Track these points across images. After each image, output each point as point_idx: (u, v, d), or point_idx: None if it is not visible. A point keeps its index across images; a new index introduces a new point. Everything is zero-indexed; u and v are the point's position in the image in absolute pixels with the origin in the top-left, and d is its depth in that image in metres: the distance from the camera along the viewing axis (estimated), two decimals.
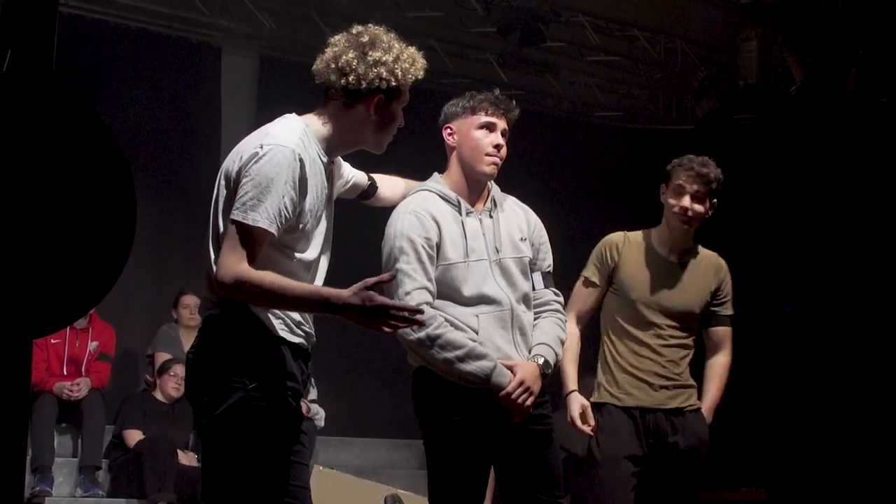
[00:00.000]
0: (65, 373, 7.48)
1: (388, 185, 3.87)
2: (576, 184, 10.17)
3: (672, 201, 4.46)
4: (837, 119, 9.11)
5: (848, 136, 9.20)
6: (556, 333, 3.93)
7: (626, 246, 4.50)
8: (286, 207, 3.18)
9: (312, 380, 6.89)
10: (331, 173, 3.43)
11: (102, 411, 7.43)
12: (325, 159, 3.36)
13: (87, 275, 2.89)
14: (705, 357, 4.65)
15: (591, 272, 4.52)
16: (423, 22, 8.84)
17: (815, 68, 8.84)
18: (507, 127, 3.93)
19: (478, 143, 3.87)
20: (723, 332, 4.65)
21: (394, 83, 3.33)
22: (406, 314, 3.20)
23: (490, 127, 3.89)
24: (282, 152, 3.19)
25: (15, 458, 3.02)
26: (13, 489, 2.99)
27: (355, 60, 3.30)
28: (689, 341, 4.53)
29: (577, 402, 4.37)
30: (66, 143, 2.86)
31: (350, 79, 3.30)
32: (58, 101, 2.89)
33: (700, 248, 4.62)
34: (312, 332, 3.38)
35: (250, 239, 3.16)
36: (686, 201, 4.43)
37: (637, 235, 4.56)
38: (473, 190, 3.92)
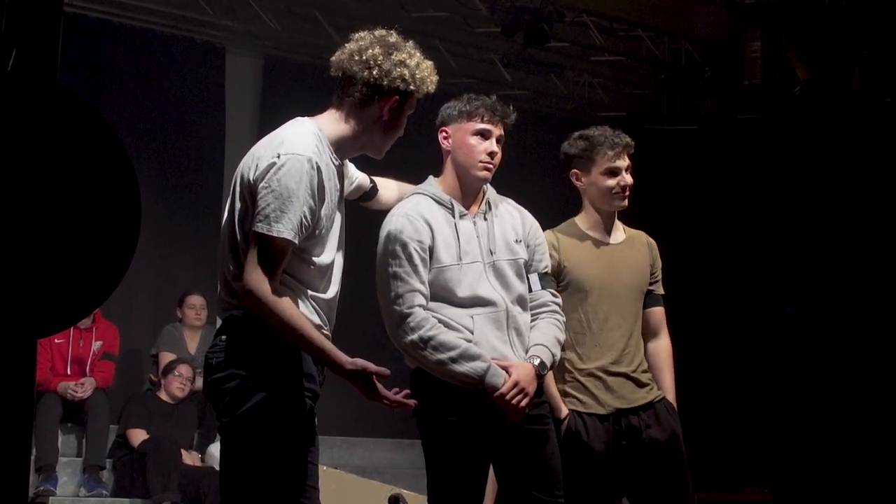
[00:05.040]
0: (69, 372, 7.49)
1: (387, 188, 3.90)
2: None
3: (609, 182, 4.29)
4: (841, 119, 9.10)
5: (852, 136, 9.19)
6: (553, 334, 3.93)
7: (562, 243, 4.31)
8: (306, 216, 3.23)
9: None
10: (341, 174, 3.47)
11: (106, 411, 7.43)
12: (336, 162, 3.40)
13: (91, 274, 2.90)
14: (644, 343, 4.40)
15: None
16: (428, 22, 8.84)
17: (819, 68, 8.84)
18: (503, 133, 3.93)
19: (472, 150, 3.88)
20: (660, 314, 4.45)
21: (411, 87, 3.40)
22: (399, 399, 3.35)
23: (485, 134, 3.89)
24: (299, 161, 3.23)
25: (19, 457, 3.02)
26: (17, 488, 3.00)
27: (381, 56, 3.36)
28: (640, 329, 4.36)
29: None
30: (70, 143, 2.86)
31: (374, 72, 3.35)
32: (61, 100, 2.89)
33: (623, 225, 4.46)
34: (330, 336, 3.42)
35: (275, 250, 3.21)
36: (625, 178, 4.30)
37: (565, 228, 4.39)
38: (468, 193, 3.92)
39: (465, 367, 3.69)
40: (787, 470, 9.07)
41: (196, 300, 8.04)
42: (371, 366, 3.27)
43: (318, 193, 3.27)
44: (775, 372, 9.32)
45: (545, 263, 4.03)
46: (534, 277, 3.96)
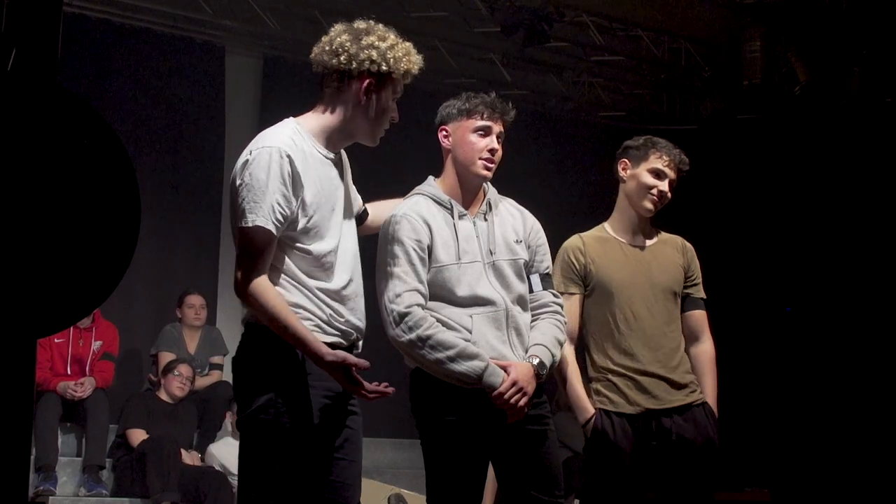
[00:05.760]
0: (69, 372, 7.49)
1: (378, 212, 3.89)
2: (579, 184, 10.17)
3: (650, 181, 4.36)
4: (841, 119, 9.10)
5: (851, 136, 9.19)
6: (553, 334, 3.91)
7: (588, 246, 4.36)
8: (279, 204, 3.28)
9: None
10: (340, 164, 3.49)
11: (106, 411, 7.44)
12: (324, 152, 3.43)
13: (91, 274, 2.89)
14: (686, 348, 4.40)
15: (560, 284, 4.29)
16: (427, 22, 8.85)
17: (819, 68, 8.84)
18: (502, 130, 3.94)
19: (472, 147, 3.88)
20: (700, 317, 4.43)
21: (384, 68, 3.43)
22: (378, 390, 3.37)
23: (485, 131, 3.90)
24: (267, 152, 3.31)
25: (19, 457, 3.02)
26: (17, 488, 3.00)
27: (348, 42, 3.44)
28: (679, 330, 4.35)
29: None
30: (70, 143, 2.86)
31: (342, 59, 3.43)
32: (61, 100, 2.89)
33: (659, 230, 4.49)
34: (351, 329, 3.46)
35: (255, 242, 3.27)
36: (665, 185, 4.36)
37: (593, 233, 4.44)
38: (468, 192, 3.93)
39: (463, 367, 3.68)
40: (787, 470, 9.07)
41: (195, 300, 8.04)
42: (350, 357, 3.31)
43: (293, 181, 3.31)
44: (775, 372, 9.32)
45: (546, 264, 4.03)
46: (535, 278, 3.96)
